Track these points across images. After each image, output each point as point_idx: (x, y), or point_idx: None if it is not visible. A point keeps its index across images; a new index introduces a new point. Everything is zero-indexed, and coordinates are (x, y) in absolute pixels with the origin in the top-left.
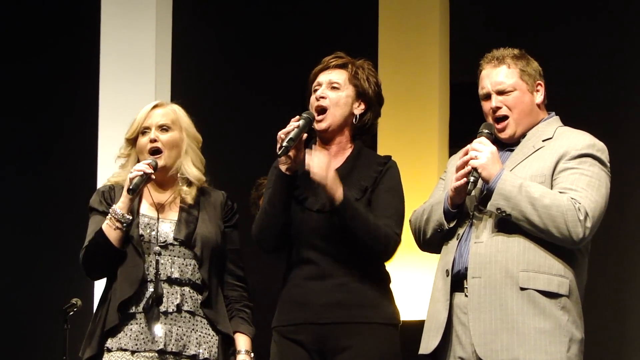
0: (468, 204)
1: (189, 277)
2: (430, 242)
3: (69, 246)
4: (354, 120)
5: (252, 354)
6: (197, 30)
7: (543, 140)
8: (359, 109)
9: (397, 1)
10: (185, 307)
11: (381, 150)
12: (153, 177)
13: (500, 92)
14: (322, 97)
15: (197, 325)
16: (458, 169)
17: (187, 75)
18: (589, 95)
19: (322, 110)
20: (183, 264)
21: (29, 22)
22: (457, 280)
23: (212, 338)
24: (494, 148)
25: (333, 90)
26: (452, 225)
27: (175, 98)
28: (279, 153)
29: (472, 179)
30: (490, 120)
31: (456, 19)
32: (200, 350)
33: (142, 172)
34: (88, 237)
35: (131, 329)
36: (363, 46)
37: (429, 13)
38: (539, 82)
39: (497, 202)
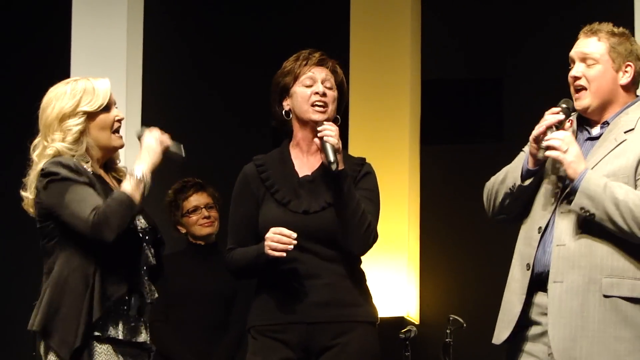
0: (549, 195)
1: (159, 264)
2: (500, 206)
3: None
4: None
5: None
6: (169, 28)
7: (625, 132)
8: (336, 112)
9: None
10: None
11: (352, 147)
12: None
13: (583, 60)
14: (325, 94)
15: None
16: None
17: (158, 72)
18: None
19: (322, 105)
20: (154, 252)
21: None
22: (539, 280)
23: None
24: (578, 148)
25: (328, 89)
26: (526, 183)
27: (146, 96)
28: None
29: (544, 144)
30: (571, 89)
31: (428, 16)
32: None
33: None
34: (89, 203)
35: (119, 320)
36: (335, 43)
37: (401, 10)
38: (629, 63)
39: (580, 202)
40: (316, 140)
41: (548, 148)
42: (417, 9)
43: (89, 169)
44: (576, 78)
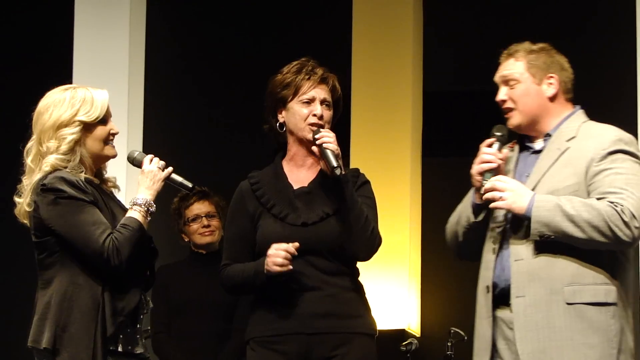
0: (500, 218)
1: (151, 275)
2: (463, 245)
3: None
4: None
5: None
6: (171, 40)
7: (567, 141)
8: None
9: (371, 11)
10: None
11: (354, 159)
12: None
13: (505, 82)
14: (322, 117)
15: None
16: (474, 176)
17: (160, 83)
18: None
19: (320, 126)
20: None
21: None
22: (501, 296)
23: None
24: (515, 183)
25: (326, 108)
26: (480, 218)
27: (148, 106)
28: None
29: (484, 183)
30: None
31: (429, 28)
32: None
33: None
34: (101, 227)
35: (119, 334)
36: (337, 56)
37: (403, 22)
38: (552, 75)
39: (537, 231)
40: (314, 148)
41: (489, 200)
42: (418, 21)
43: (82, 177)
44: (503, 101)
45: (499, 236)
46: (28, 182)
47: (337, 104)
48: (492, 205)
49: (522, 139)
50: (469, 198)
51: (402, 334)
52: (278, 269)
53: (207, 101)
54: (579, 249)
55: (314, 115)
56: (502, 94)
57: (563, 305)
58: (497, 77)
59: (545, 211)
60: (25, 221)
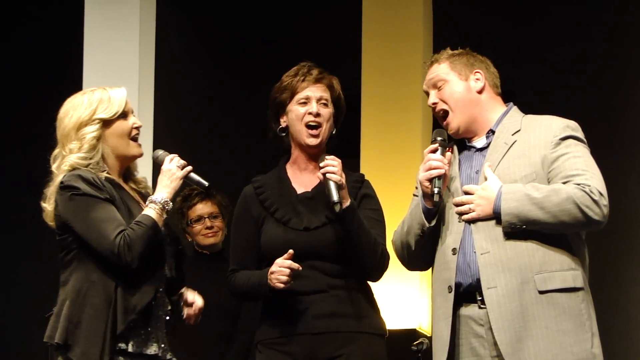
0: (453, 217)
1: (179, 277)
2: (416, 255)
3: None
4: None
5: None
6: (181, 42)
7: (512, 134)
8: (333, 127)
9: (381, 11)
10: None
11: (364, 161)
12: None
13: (433, 86)
14: (319, 114)
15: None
16: (422, 182)
17: (170, 85)
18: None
19: (316, 126)
20: (175, 263)
21: (12, 40)
22: (466, 293)
23: None
24: (478, 189)
25: (323, 106)
26: (434, 223)
27: (158, 108)
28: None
29: (435, 190)
30: (439, 121)
31: (440, 28)
32: None
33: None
34: (114, 224)
35: (129, 333)
36: (346, 55)
37: (413, 22)
38: (477, 71)
39: (509, 222)
40: (319, 174)
41: (461, 213)
42: (428, 21)
43: (103, 176)
44: (434, 105)
45: (456, 234)
46: (53, 186)
47: (337, 103)
48: (464, 217)
49: (461, 140)
50: (418, 206)
51: (413, 334)
52: (282, 286)
53: (217, 101)
54: (543, 234)
55: (310, 113)
56: (432, 97)
57: (535, 294)
58: (425, 85)
59: (513, 202)
60: (52, 223)
